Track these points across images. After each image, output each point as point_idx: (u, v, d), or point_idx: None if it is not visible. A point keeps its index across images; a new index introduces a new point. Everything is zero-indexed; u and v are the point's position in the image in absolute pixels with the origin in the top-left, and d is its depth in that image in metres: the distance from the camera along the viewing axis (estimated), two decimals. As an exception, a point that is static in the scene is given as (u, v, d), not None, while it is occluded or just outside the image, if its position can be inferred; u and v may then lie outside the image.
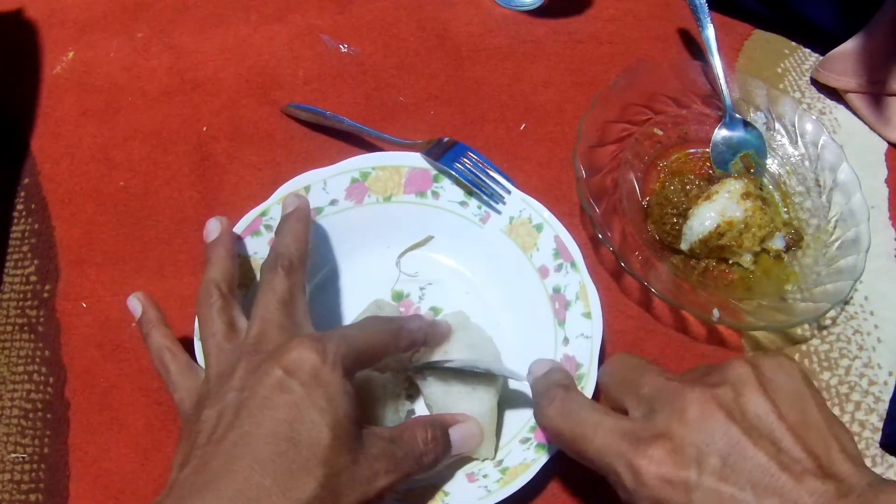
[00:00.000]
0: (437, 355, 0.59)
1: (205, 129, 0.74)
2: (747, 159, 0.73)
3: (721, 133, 0.74)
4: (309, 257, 0.57)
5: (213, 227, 0.58)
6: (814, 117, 0.74)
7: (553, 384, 0.50)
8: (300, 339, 0.47)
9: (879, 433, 0.63)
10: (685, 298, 0.64)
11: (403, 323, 0.55)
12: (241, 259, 0.62)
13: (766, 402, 0.42)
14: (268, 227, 0.62)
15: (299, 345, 0.46)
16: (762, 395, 0.43)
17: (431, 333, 0.57)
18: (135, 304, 0.57)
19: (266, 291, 0.53)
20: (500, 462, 0.57)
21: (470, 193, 0.66)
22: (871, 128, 0.78)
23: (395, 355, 0.56)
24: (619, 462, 0.43)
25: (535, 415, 0.51)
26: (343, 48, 0.79)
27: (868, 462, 0.62)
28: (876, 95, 0.77)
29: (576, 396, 0.49)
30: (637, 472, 0.42)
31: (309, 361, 0.45)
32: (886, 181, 0.75)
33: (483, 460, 0.57)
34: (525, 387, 0.60)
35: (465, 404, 0.56)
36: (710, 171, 0.73)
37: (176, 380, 0.53)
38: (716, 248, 0.67)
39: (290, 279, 0.53)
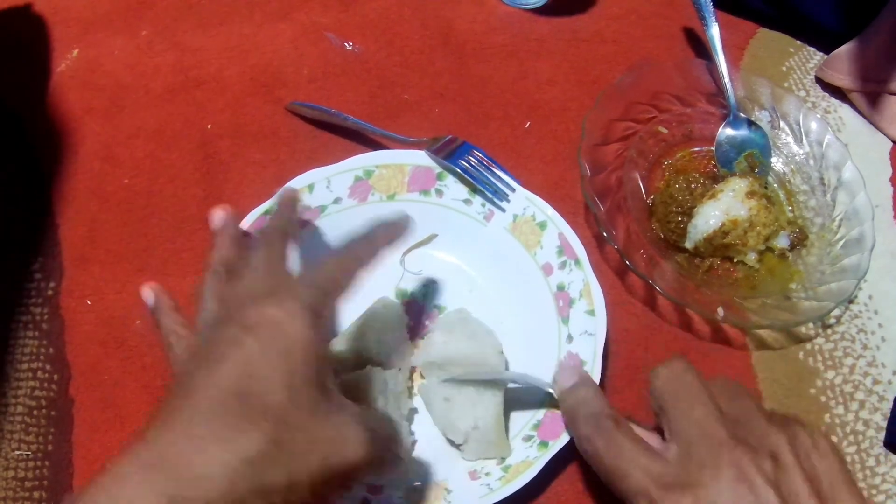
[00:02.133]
0: (436, 346, 0.59)
1: (209, 126, 0.74)
2: (752, 158, 0.73)
3: (725, 132, 0.74)
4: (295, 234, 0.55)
5: (217, 216, 0.58)
6: (818, 116, 0.74)
7: (601, 414, 0.51)
8: (262, 298, 0.45)
9: (884, 432, 0.63)
10: (689, 297, 0.64)
11: (349, 244, 0.52)
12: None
13: (804, 484, 0.43)
14: (271, 226, 0.63)
15: (260, 303, 0.44)
16: (801, 475, 0.44)
17: (386, 231, 0.54)
18: (147, 293, 0.56)
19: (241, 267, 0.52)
20: (503, 460, 0.57)
21: (474, 191, 0.66)
22: (876, 126, 0.77)
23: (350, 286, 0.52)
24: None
25: (577, 437, 0.52)
26: (347, 46, 0.79)
27: (872, 461, 0.62)
28: (880, 94, 0.77)
29: (623, 431, 0.49)
30: None
31: (268, 316, 0.43)
32: (891, 180, 0.75)
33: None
34: (527, 385, 0.60)
35: (469, 418, 0.57)
36: (715, 170, 0.73)
37: (176, 355, 0.52)
38: (720, 247, 0.67)
39: (268, 249, 0.52)
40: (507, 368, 0.60)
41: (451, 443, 0.59)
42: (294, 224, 0.55)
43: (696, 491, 0.43)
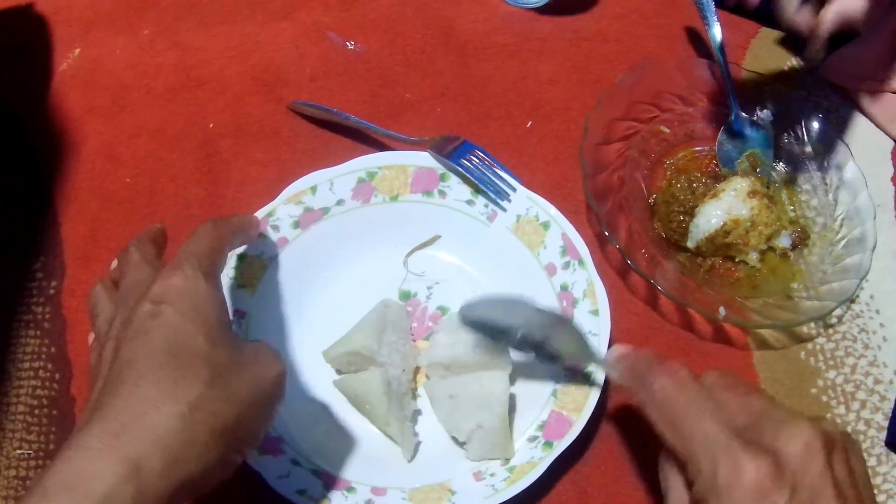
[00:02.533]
0: (442, 347, 0.59)
1: (210, 126, 0.74)
2: (753, 158, 0.73)
3: (727, 131, 0.74)
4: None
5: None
6: (820, 115, 0.74)
7: (676, 364, 0.50)
8: (157, 276, 0.48)
9: (885, 431, 0.63)
10: (691, 296, 0.64)
11: (217, 217, 0.55)
12: (248, 259, 0.62)
13: (845, 468, 0.45)
14: (274, 228, 0.63)
15: (159, 278, 0.47)
16: (845, 462, 0.45)
17: (245, 221, 0.58)
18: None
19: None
20: (507, 461, 0.57)
21: (477, 192, 0.66)
22: (878, 126, 0.77)
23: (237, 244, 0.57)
24: (723, 453, 0.44)
25: (645, 383, 0.50)
26: (349, 45, 0.79)
27: (873, 461, 0.62)
28: (882, 94, 0.77)
29: (693, 378, 0.49)
30: (740, 469, 0.43)
31: (172, 285, 0.47)
32: (892, 179, 0.75)
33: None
34: (532, 385, 0.60)
35: (475, 419, 0.57)
36: (717, 170, 0.73)
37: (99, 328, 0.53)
38: (722, 246, 0.67)
39: (139, 249, 0.54)
40: (513, 368, 0.60)
41: (455, 441, 0.59)
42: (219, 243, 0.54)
43: (776, 456, 0.43)
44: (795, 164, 0.73)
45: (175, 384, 0.43)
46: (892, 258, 0.71)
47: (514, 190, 0.65)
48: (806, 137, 0.73)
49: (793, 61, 0.82)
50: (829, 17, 0.65)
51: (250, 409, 0.46)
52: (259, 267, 0.62)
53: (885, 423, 0.63)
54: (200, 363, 0.44)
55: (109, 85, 0.76)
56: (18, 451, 0.60)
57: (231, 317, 0.55)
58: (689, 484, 0.46)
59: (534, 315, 0.57)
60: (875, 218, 0.67)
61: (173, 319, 0.45)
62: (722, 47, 0.74)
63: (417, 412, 0.60)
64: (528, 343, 0.59)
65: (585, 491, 0.59)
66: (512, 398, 0.59)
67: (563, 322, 0.58)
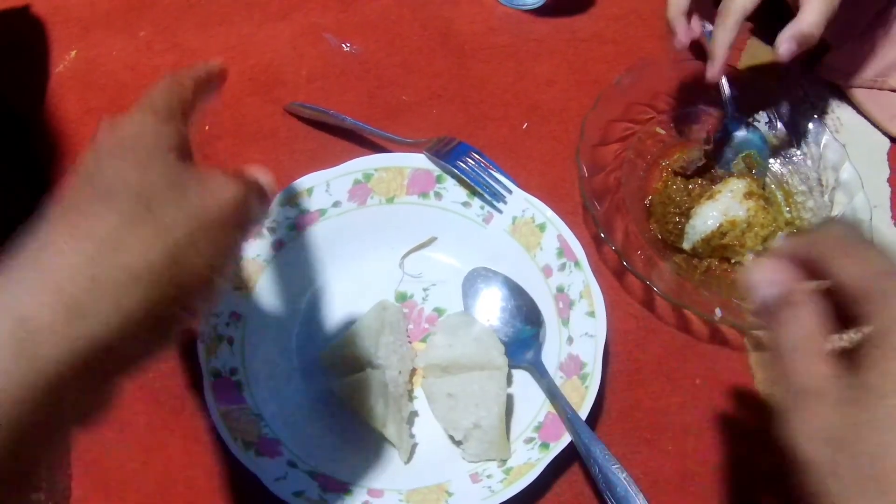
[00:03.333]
0: (440, 349, 0.60)
1: (207, 127, 0.74)
2: (749, 159, 0.73)
3: (723, 132, 0.74)
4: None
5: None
6: (816, 116, 0.74)
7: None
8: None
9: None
10: (687, 297, 0.64)
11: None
12: (244, 261, 0.62)
13: None
14: (271, 230, 0.63)
15: (106, 127, 0.42)
16: None
17: (207, 66, 0.49)
18: None
19: None
20: (504, 462, 0.57)
21: (473, 193, 0.66)
22: (875, 124, 0.77)
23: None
24: None
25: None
26: (346, 47, 0.79)
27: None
28: (880, 91, 0.77)
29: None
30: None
31: (116, 130, 0.41)
32: (889, 180, 0.75)
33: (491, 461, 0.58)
34: (528, 386, 0.60)
35: (473, 417, 0.57)
36: (713, 171, 0.73)
37: None
38: (718, 248, 0.67)
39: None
40: (509, 371, 0.61)
41: (452, 441, 0.59)
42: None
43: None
44: (791, 166, 0.73)
45: (83, 219, 0.37)
46: (888, 259, 0.71)
47: (510, 192, 0.65)
48: (802, 138, 0.73)
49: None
50: (786, 39, 0.66)
51: (191, 244, 0.38)
52: (255, 269, 0.62)
53: (881, 424, 0.63)
54: (122, 196, 0.37)
55: (107, 86, 0.76)
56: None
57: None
58: (850, 321, 0.39)
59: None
60: (871, 219, 0.67)
61: (103, 146, 0.40)
62: (718, 48, 0.74)
63: (414, 414, 0.61)
64: None
65: (582, 492, 0.59)
66: (508, 399, 0.59)
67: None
